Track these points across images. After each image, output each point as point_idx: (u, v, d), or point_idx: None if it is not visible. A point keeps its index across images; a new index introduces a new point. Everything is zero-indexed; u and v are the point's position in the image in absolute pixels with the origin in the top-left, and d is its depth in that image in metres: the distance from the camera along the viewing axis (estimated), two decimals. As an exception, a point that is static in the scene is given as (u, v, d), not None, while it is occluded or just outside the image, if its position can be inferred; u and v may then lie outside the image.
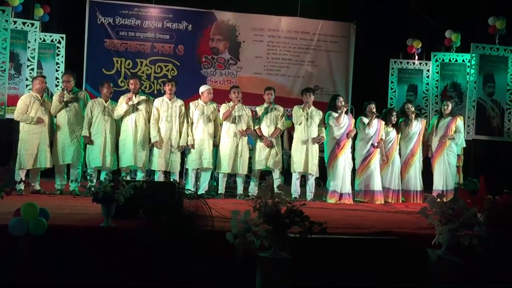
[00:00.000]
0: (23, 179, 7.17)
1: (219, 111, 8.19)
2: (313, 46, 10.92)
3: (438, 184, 8.50)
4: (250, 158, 8.24)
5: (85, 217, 5.44)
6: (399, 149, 8.53)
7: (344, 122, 8.02)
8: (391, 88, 10.81)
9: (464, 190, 7.14)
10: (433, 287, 4.49)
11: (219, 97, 8.58)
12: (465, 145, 8.85)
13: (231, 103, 7.97)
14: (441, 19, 10.62)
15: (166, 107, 7.88)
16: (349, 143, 8.08)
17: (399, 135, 8.49)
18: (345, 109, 8.00)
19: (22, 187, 7.24)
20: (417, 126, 8.52)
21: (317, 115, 8.15)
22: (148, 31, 10.35)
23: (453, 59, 10.44)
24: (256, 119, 8.17)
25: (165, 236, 4.34)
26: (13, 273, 4.31)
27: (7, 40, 8.08)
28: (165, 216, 4.46)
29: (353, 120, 8.17)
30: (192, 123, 7.95)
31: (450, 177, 8.50)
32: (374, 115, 8.17)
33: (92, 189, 4.96)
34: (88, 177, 6.45)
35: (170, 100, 7.94)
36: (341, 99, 8.18)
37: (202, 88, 8.14)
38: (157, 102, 7.93)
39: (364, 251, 4.78)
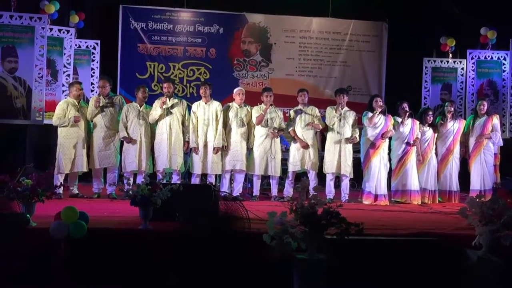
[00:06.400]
0: (62, 183, 7.32)
1: (253, 114, 8.22)
2: (345, 46, 10.85)
3: (476, 184, 8.34)
4: (284, 159, 8.23)
5: (123, 220, 5.52)
6: (436, 149, 8.40)
7: (379, 122, 7.93)
8: (425, 87, 10.66)
9: (503, 190, 6.99)
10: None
11: (251, 99, 8.57)
12: (502, 144, 8.67)
13: (263, 106, 7.98)
14: (475, 16, 10.43)
15: (203, 110, 7.94)
16: (384, 144, 8.00)
17: (436, 135, 8.37)
18: (379, 110, 7.92)
19: (61, 191, 7.38)
20: (453, 125, 8.39)
21: (351, 115, 8.10)
22: (180, 35, 10.43)
23: (488, 56, 10.25)
24: (290, 121, 8.17)
25: (202, 238, 4.38)
26: (54, 275, 4.41)
27: (44, 47, 8.27)
28: (202, 218, 4.49)
29: (391, 121, 8.02)
30: (226, 126, 8.00)
31: (487, 176, 8.34)
32: (407, 114, 8.08)
33: (130, 192, 5.02)
34: (125, 181, 6.53)
35: (206, 103, 8.00)
36: (378, 99, 8.07)
37: (234, 91, 8.20)
38: (194, 106, 8.02)
39: (402, 252, 4.73)
